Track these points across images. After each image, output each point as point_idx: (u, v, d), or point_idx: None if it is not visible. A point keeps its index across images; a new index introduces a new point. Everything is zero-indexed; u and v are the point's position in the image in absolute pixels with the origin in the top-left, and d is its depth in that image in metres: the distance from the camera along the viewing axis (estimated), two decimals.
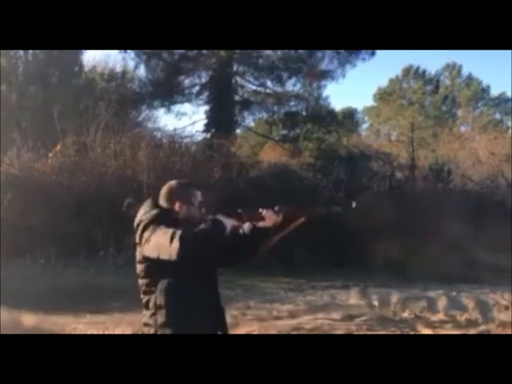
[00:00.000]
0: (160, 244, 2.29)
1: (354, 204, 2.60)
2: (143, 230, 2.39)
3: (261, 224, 2.53)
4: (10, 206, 9.90)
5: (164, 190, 2.55)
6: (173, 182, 2.58)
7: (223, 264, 2.63)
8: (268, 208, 2.56)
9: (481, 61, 38.56)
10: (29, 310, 6.37)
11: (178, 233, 2.24)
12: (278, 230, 2.55)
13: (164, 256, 2.28)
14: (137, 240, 2.44)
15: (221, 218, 2.39)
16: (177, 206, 2.50)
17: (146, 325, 2.43)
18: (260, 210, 2.55)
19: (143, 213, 2.47)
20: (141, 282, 2.46)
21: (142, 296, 2.46)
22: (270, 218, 2.53)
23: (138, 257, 2.45)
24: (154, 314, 2.39)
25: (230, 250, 2.47)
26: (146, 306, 2.43)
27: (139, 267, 2.45)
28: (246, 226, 2.52)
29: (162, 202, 2.52)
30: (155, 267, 2.36)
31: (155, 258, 2.33)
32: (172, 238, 2.23)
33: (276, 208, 2.55)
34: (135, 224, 2.46)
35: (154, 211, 2.44)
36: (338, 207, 2.66)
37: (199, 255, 2.29)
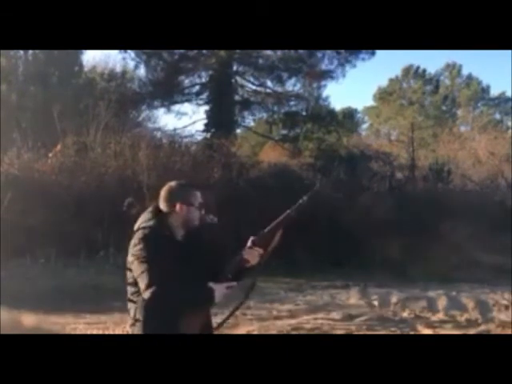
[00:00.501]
0: (138, 279, 2.30)
1: (317, 184, 2.55)
2: (137, 242, 2.36)
3: (247, 266, 2.45)
4: (9, 206, 9.89)
5: (164, 192, 2.49)
6: (172, 183, 2.52)
7: None
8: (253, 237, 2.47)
9: (481, 61, 38.61)
10: (29, 309, 6.36)
11: (152, 288, 2.22)
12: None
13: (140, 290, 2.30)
14: (131, 244, 2.40)
15: (212, 285, 2.32)
16: (177, 208, 2.44)
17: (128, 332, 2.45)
18: (241, 253, 2.46)
19: (143, 220, 2.44)
20: (128, 289, 2.43)
21: (127, 302, 2.44)
22: (253, 257, 2.44)
23: (128, 264, 2.40)
24: (132, 325, 2.39)
25: None
26: (129, 314, 2.42)
27: (128, 274, 2.41)
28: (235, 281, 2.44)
29: (163, 204, 2.47)
30: None
31: None
32: (147, 287, 2.24)
33: (250, 243, 2.45)
34: (135, 228, 2.43)
35: (151, 222, 2.40)
36: (302, 198, 2.54)
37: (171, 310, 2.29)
